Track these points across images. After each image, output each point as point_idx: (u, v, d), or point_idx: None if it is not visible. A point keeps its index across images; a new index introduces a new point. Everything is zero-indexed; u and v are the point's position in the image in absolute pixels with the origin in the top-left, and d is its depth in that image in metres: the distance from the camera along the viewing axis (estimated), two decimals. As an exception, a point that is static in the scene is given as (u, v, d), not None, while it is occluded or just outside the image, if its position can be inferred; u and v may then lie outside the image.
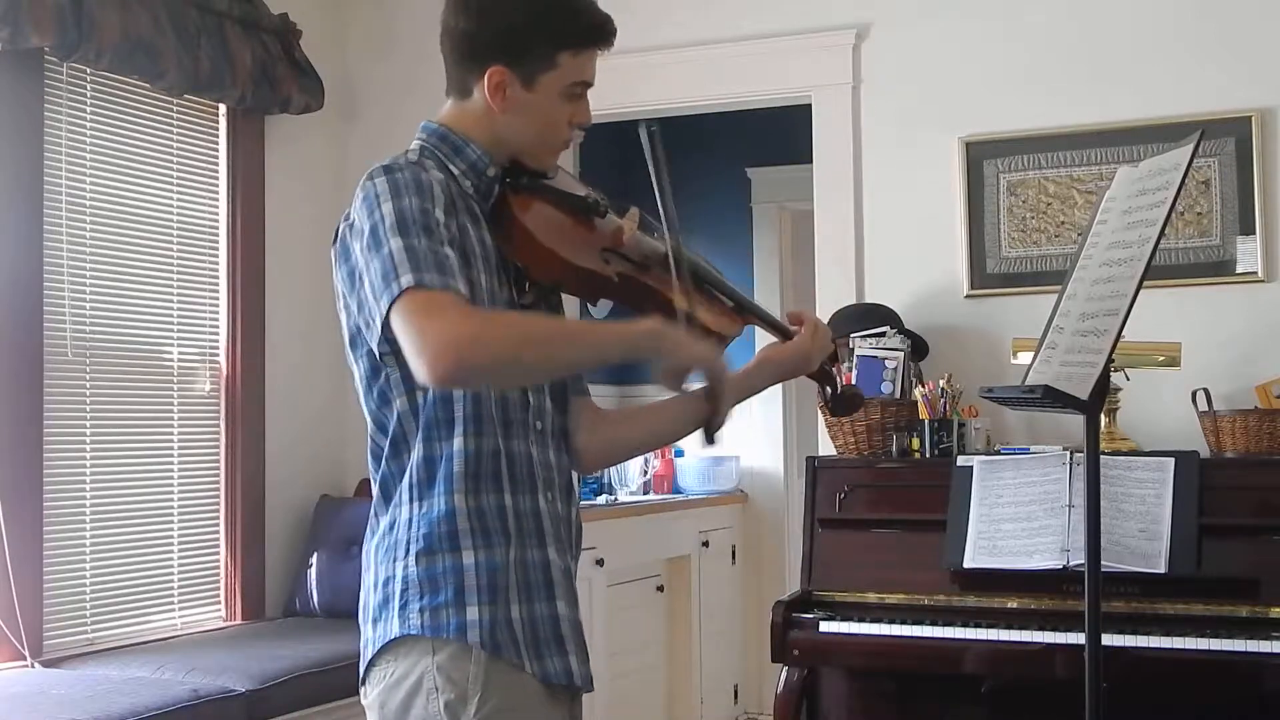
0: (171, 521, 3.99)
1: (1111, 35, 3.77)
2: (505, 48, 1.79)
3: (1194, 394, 3.42)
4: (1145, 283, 2.10)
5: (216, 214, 4.20)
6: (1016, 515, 3.15)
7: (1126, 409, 3.49)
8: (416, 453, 1.75)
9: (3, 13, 3.28)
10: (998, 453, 3.45)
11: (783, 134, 4.94)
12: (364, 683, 1.82)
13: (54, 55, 3.56)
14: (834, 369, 2.07)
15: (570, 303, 2.86)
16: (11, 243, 3.52)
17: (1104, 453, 2.91)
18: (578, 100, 1.86)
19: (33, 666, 3.45)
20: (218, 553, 4.15)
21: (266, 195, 4.32)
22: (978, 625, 3.07)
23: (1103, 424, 3.30)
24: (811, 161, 4.12)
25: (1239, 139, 3.61)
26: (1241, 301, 3.61)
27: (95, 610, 3.73)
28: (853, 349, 3.66)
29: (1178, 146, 2.18)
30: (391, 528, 1.77)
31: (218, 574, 4.14)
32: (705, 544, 5.25)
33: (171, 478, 4.01)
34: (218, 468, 4.16)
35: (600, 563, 4.26)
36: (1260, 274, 3.59)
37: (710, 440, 1.86)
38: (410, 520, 1.75)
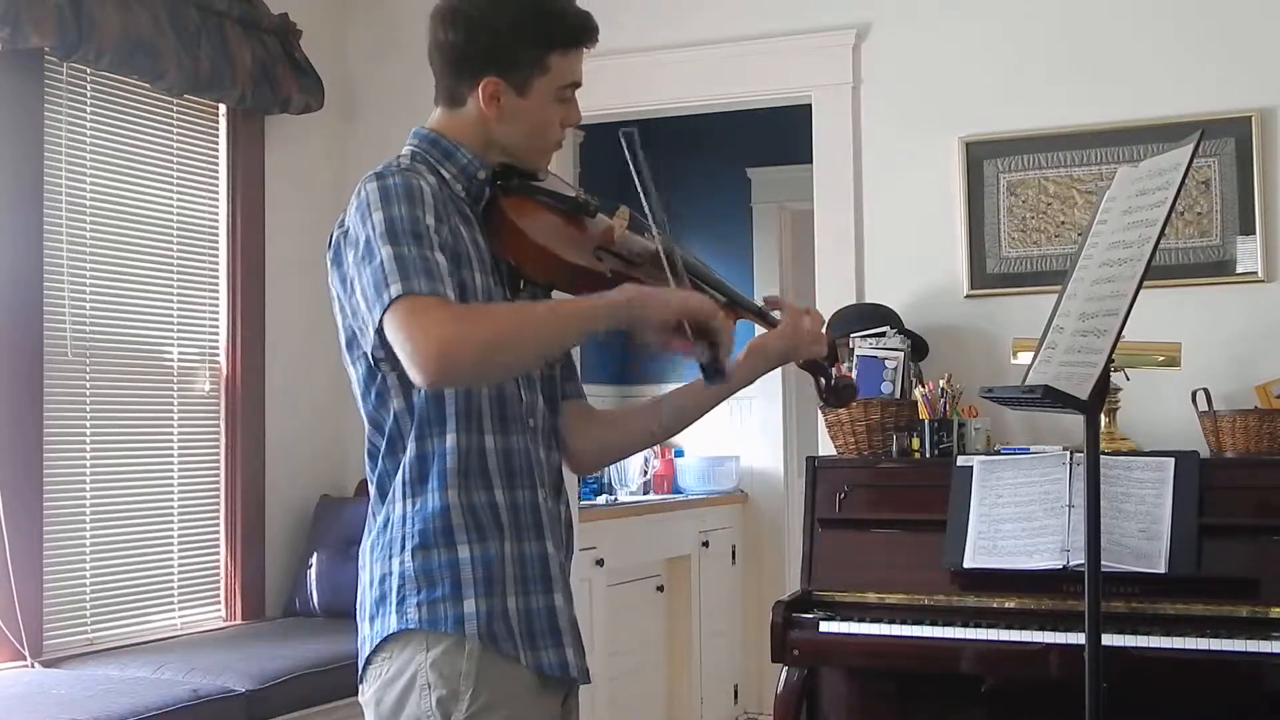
0: (171, 521, 3.99)
1: (1111, 35, 3.77)
2: (496, 58, 1.82)
3: (1194, 394, 3.42)
4: (1145, 283, 2.10)
5: (216, 214, 4.20)
6: (1016, 515, 3.14)
7: (1126, 409, 3.49)
8: (410, 450, 1.78)
9: (3, 13, 3.28)
10: (998, 453, 3.45)
11: (783, 134, 4.94)
12: (362, 680, 1.85)
13: (54, 55, 3.56)
14: (830, 365, 2.06)
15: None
16: (11, 243, 3.52)
17: (1104, 453, 2.91)
18: (568, 102, 1.89)
19: (33, 666, 3.45)
20: (218, 553, 4.15)
21: (266, 195, 4.32)
22: (978, 625, 3.07)
23: (1103, 424, 3.29)
24: (811, 161, 4.12)
25: (1239, 139, 3.61)
26: (1241, 301, 3.61)
27: (95, 610, 3.73)
28: (853, 349, 3.66)
29: (1178, 146, 2.18)
30: (386, 525, 1.80)
31: (218, 574, 4.14)
32: (705, 544, 5.26)
33: (171, 478, 4.01)
34: (218, 468, 4.16)
35: (600, 563, 4.26)
36: (1260, 274, 3.59)
37: (711, 380, 1.85)
38: (405, 517, 1.78)
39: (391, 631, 1.77)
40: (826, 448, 3.75)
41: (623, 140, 1.91)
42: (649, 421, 2.05)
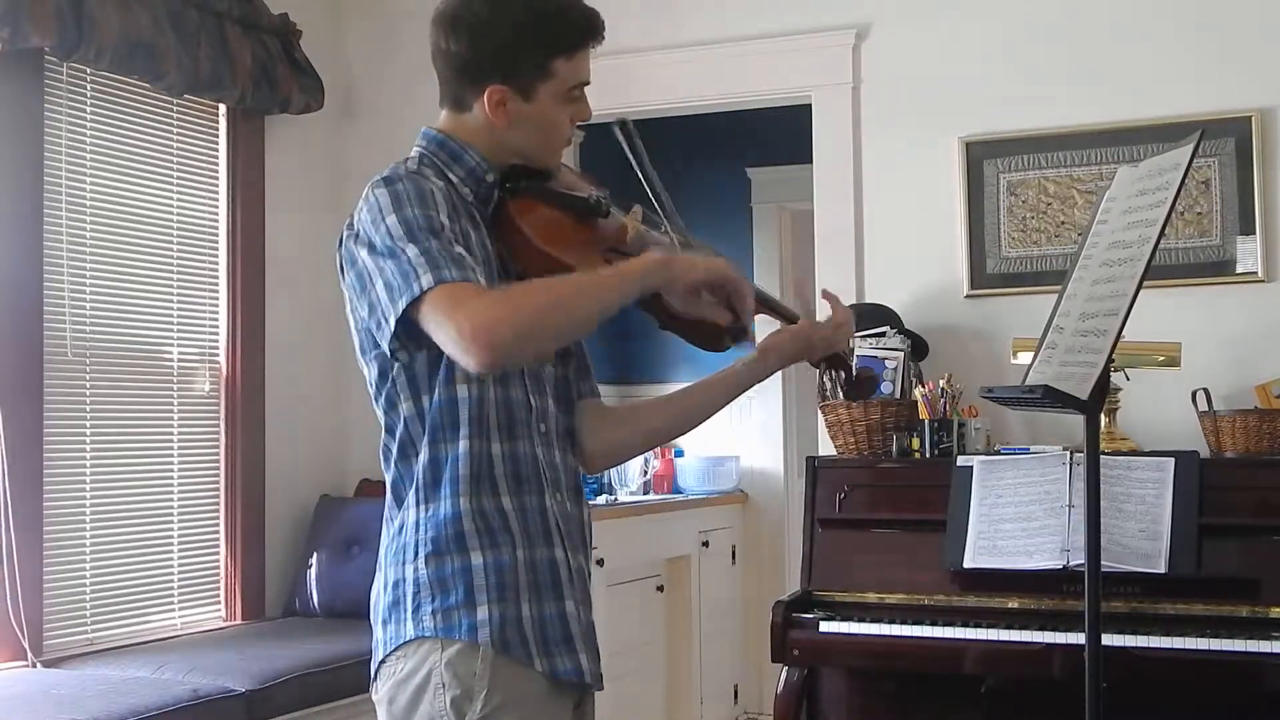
0: (171, 521, 3.99)
1: (1111, 35, 3.77)
2: (500, 66, 1.81)
3: (1194, 394, 3.42)
4: (1145, 283, 2.10)
5: (216, 214, 4.20)
6: (1016, 515, 3.14)
7: (1126, 409, 3.49)
8: (423, 456, 1.78)
9: (3, 13, 3.28)
10: (998, 453, 3.45)
11: (783, 134, 4.93)
12: (374, 679, 1.83)
13: (54, 55, 3.56)
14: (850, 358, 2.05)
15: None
16: (11, 243, 3.52)
17: (1104, 453, 2.91)
18: (577, 100, 1.88)
19: (33, 666, 3.45)
20: (218, 553, 4.15)
21: (266, 195, 4.32)
22: (978, 625, 3.07)
23: (1103, 424, 3.29)
24: (811, 161, 4.12)
25: (1239, 139, 3.61)
26: (1241, 301, 3.61)
27: (95, 610, 3.73)
28: (853, 349, 3.66)
29: (1178, 146, 2.18)
30: (400, 530, 1.80)
31: (218, 574, 4.14)
32: (705, 544, 5.25)
33: (171, 478, 4.01)
34: (218, 468, 4.16)
35: (600, 563, 4.26)
36: (1260, 274, 3.59)
37: (738, 343, 1.86)
38: (418, 523, 1.78)
39: (407, 639, 1.76)
40: (826, 448, 3.75)
41: (618, 132, 1.91)
42: (659, 420, 2.04)
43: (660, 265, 1.75)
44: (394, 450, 1.81)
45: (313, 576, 4.19)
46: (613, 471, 5.31)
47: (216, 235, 4.19)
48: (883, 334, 3.67)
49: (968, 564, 3.15)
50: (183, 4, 3.83)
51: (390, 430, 1.81)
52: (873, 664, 3.24)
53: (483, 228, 1.83)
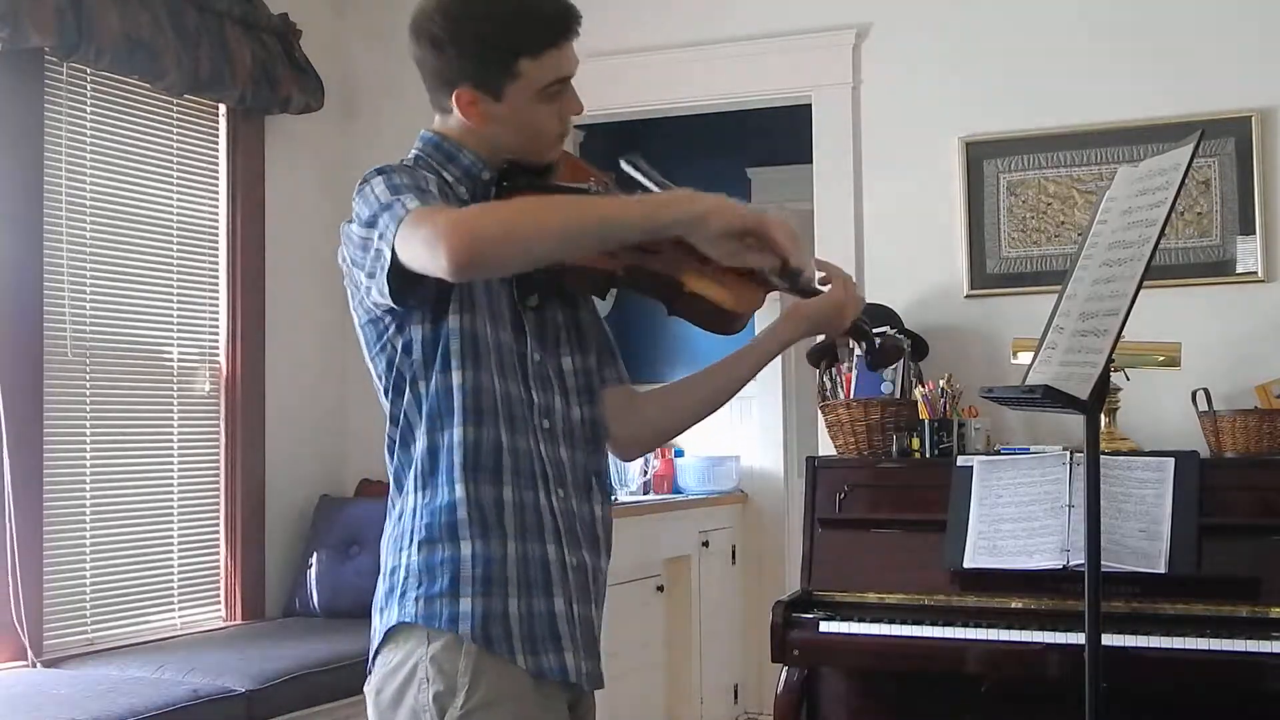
0: (171, 521, 3.99)
1: (1111, 36, 3.77)
2: (464, 70, 1.80)
3: (1194, 394, 3.42)
4: (1145, 283, 2.10)
5: (216, 214, 4.20)
6: (1016, 515, 3.14)
7: (1126, 409, 3.49)
8: (421, 443, 1.78)
9: (3, 13, 3.28)
10: (998, 453, 3.45)
11: (783, 134, 4.94)
12: (370, 670, 1.83)
13: (54, 55, 3.56)
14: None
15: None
16: (11, 243, 3.52)
17: (1104, 453, 2.91)
18: (558, 97, 1.84)
19: (33, 666, 3.45)
20: (218, 553, 4.15)
21: (266, 195, 4.32)
22: (978, 625, 3.07)
23: (1103, 424, 3.30)
24: (811, 161, 4.12)
25: (1239, 139, 3.61)
26: (1241, 301, 3.61)
27: (95, 610, 3.73)
28: (852, 348, 3.65)
29: (1178, 146, 2.18)
30: (399, 518, 1.81)
31: (218, 574, 4.14)
32: (705, 544, 5.25)
33: (171, 478, 4.01)
34: (218, 468, 4.16)
35: (600, 563, 4.26)
36: (1260, 274, 3.60)
37: (794, 285, 1.81)
38: (415, 510, 1.79)
39: (393, 624, 1.77)
40: (826, 448, 3.75)
41: (628, 168, 1.90)
42: (688, 399, 2.00)
43: (689, 202, 1.68)
44: (397, 439, 1.81)
45: (313, 576, 4.19)
46: (613, 471, 5.31)
47: (216, 235, 4.19)
48: (883, 334, 3.66)
49: (968, 564, 3.15)
50: (183, 4, 3.83)
51: (394, 420, 1.82)
52: (873, 664, 3.23)
53: None
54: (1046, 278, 3.72)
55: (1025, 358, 2.85)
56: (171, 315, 4.02)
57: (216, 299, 4.18)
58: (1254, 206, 3.60)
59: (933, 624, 3.10)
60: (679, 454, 5.65)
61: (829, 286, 1.91)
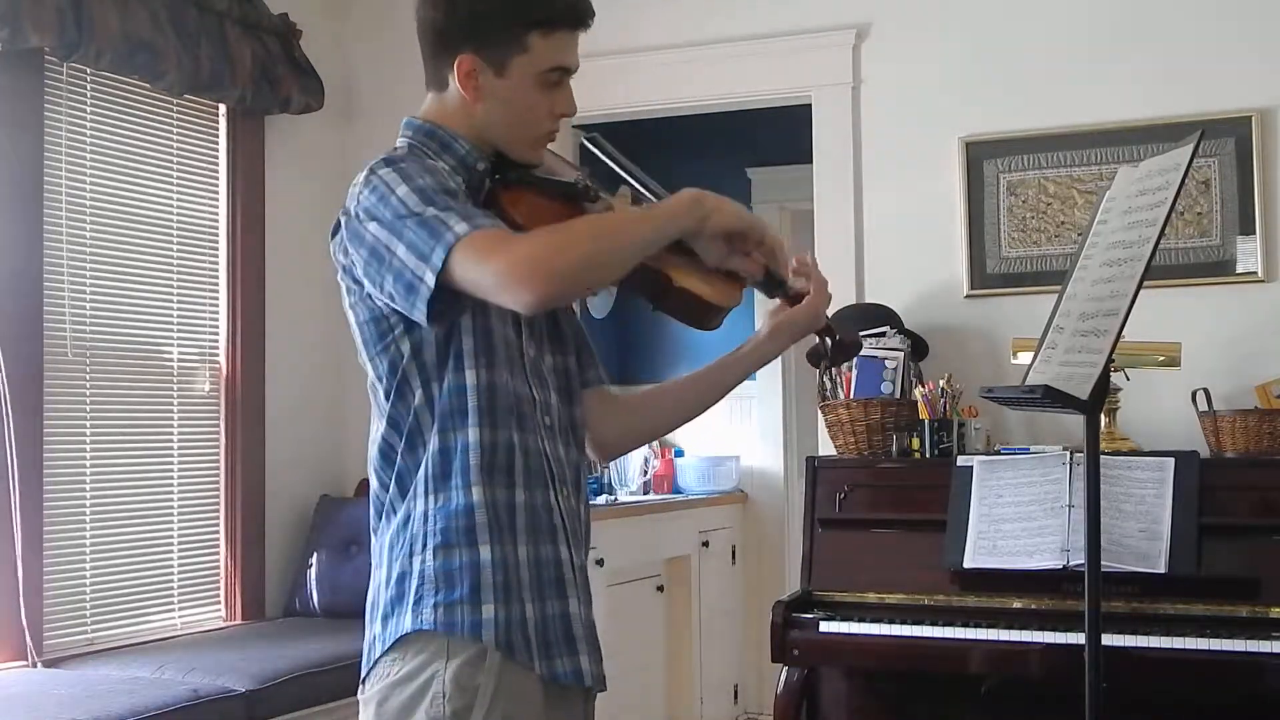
0: (171, 521, 3.99)
1: (1112, 35, 3.77)
2: (473, 34, 1.77)
3: (1194, 394, 3.42)
4: (1145, 283, 2.10)
5: (216, 214, 4.20)
6: (1016, 515, 3.14)
7: (1126, 409, 3.49)
8: (432, 445, 1.74)
9: (3, 13, 3.28)
10: (998, 453, 3.45)
11: (783, 134, 4.93)
12: (365, 679, 1.80)
13: (54, 55, 3.56)
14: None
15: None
16: (11, 243, 3.52)
17: (1104, 453, 2.91)
18: (556, 88, 1.81)
19: (33, 666, 3.45)
20: (218, 553, 4.15)
21: (266, 195, 4.32)
22: (978, 625, 3.07)
23: (1103, 424, 3.30)
24: (811, 161, 4.12)
25: (1239, 139, 3.61)
26: (1241, 301, 3.61)
27: (95, 610, 3.73)
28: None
29: (1178, 146, 2.18)
30: (407, 522, 1.75)
31: (218, 574, 4.14)
32: (705, 544, 5.25)
33: (171, 478, 4.01)
34: (218, 468, 4.16)
35: (600, 563, 4.26)
36: (1260, 274, 3.60)
37: (774, 292, 1.88)
38: (426, 514, 1.73)
39: (406, 632, 1.72)
40: (826, 448, 3.75)
41: (592, 147, 1.92)
42: (668, 404, 2.02)
43: (693, 201, 1.74)
44: (399, 443, 1.75)
45: (313, 576, 4.19)
46: (613, 471, 5.31)
47: (216, 235, 4.19)
48: (883, 334, 3.67)
49: (968, 564, 3.15)
50: (183, 4, 3.83)
51: (396, 424, 1.76)
52: (873, 664, 3.23)
53: None
54: (1046, 278, 3.71)
55: (1025, 358, 2.85)
56: (171, 315, 4.02)
57: (216, 299, 4.18)
58: (1254, 206, 3.60)
59: (933, 624, 3.10)
60: (679, 454, 5.65)
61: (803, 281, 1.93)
